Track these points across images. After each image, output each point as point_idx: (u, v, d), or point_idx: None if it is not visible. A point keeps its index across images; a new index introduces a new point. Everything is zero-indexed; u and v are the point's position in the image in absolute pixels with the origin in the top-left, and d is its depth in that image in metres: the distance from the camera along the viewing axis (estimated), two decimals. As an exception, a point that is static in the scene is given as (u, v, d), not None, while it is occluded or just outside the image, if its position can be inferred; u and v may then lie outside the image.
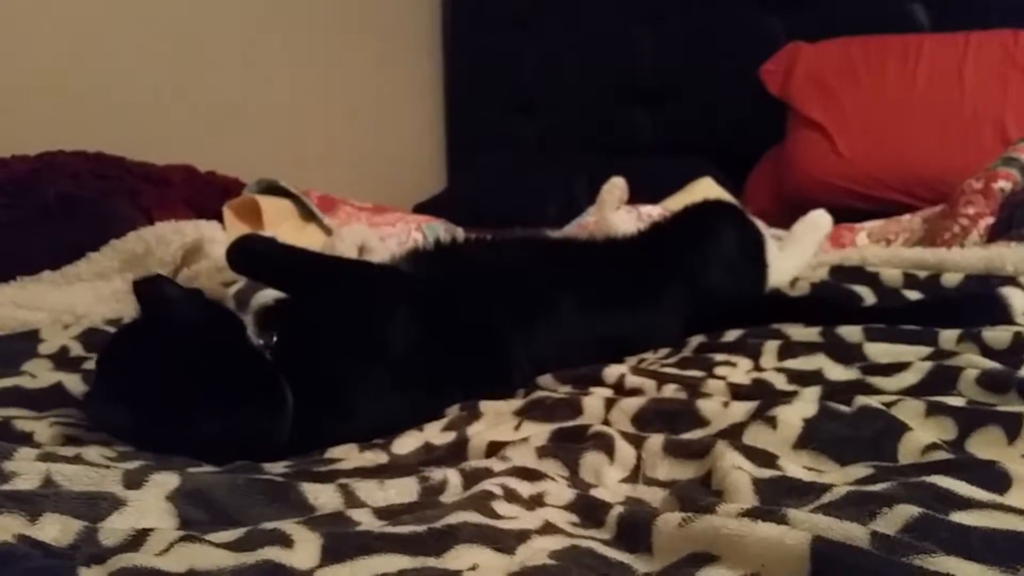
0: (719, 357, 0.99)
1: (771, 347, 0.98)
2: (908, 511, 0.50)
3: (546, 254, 1.13)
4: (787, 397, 0.81)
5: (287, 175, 2.13)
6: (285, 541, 0.50)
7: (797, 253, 1.35)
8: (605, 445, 0.70)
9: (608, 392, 0.91)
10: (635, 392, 0.90)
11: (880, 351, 0.93)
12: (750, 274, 1.24)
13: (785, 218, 1.82)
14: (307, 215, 1.63)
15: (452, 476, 0.65)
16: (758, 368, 0.96)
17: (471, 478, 0.64)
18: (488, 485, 0.60)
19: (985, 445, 0.65)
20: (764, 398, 0.84)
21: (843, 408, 0.72)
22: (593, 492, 0.64)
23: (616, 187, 1.48)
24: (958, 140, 1.91)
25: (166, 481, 0.60)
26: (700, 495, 0.59)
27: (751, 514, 0.50)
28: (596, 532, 0.56)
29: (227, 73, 2.17)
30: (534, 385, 0.95)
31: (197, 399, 0.77)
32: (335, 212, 1.66)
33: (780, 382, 0.91)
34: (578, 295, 1.05)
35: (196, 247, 1.22)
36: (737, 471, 0.60)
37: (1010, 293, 1.04)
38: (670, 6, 2.55)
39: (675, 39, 2.56)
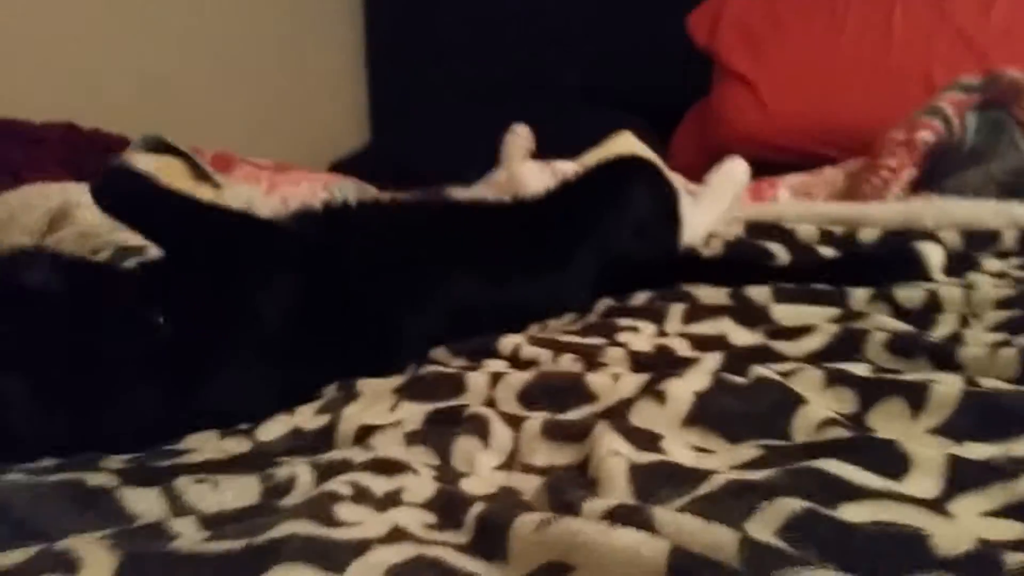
0: (623, 322, 0.93)
1: (676, 311, 0.93)
2: (789, 506, 0.44)
3: (445, 219, 1.05)
4: (684, 366, 0.76)
5: (190, 133, 1.99)
6: (70, 566, 0.43)
7: (713, 207, 1.29)
8: (479, 428, 0.63)
9: (502, 364, 0.85)
10: (530, 364, 0.84)
11: (787, 313, 0.88)
12: (663, 234, 1.18)
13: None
14: (200, 175, 1.51)
15: (302, 472, 0.58)
16: (662, 333, 0.90)
17: (324, 473, 0.58)
18: (336, 484, 0.53)
19: (887, 419, 0.60)
20: (664, 366, 0.79)
21: (737, 380, 0.66)
22: (463, 482, 0.58)
23: (519, 136, 1.40)
24: (885, 93, 1.86)
25: (-42, 491, 0.52)
26: (571, 487, 0.53)
27: (614, 515, 0.44)
28: (452, 535, 0.50)
29: (117, 23, 1.99)
30: (425, 359, 0.89)
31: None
32: (233, 171, 1.55)
33: (683, 348, 0.85)
34: (477, 263, 0.98)
35: (63, 212, 1.11)
36: (614, 457, 0.54)
37: (926, 248, 0.99)
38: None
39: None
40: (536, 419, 0.63)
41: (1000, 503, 0.46)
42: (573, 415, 0.67)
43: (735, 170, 1.34)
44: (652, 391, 0.66)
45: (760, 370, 0.68)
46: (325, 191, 1.68)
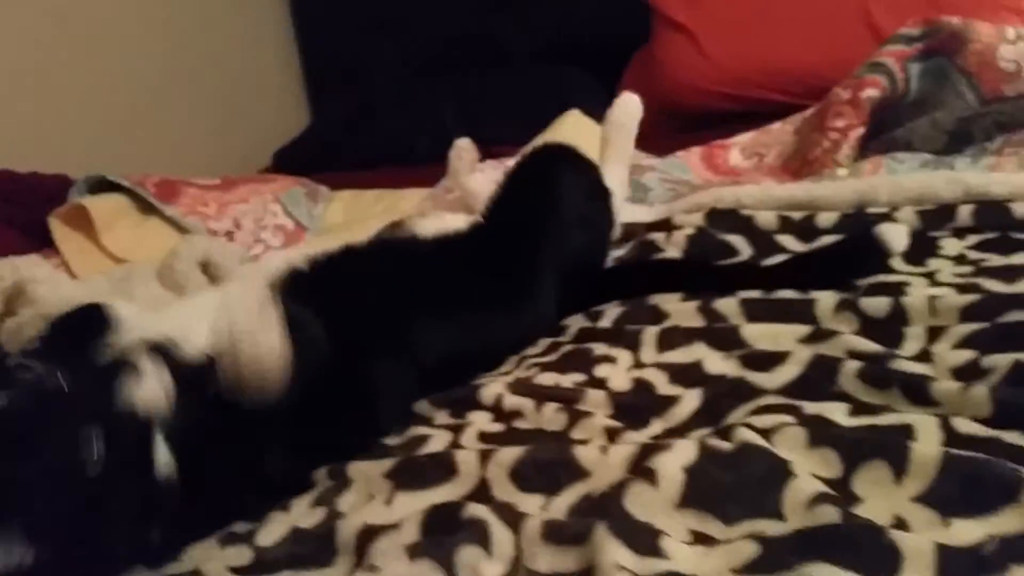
0: (598, 350, 0.95)
1: (650, 336, 0.94)
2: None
3: (410, 268, 1.03)
4: (664, 406, 0.80)
5: (128, 146, 1.93)
6: None
7: (620, 160, 1.31)
8: (480, 534, 0.64)
9: (486, 417, 0.86)
10: (513, 415, 0.85)
11: (758, 334, 0.89)
12: (600, 215, 1.20)
13: (662, 125, 1.76)
14: (146, 207, 1.48)
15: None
16: (638, 364, 0.91)
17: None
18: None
19: (872, 484, 0.62)
20: (644, 409, 0.81)
21: (723, 447, 0.68)
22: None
23: (463, 150, 1.38)
24: (824, 33, 1.86)
25: None
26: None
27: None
28: None
29: (34, 43, 1.89)
30: (409, 417, 0.90)
31: None
32: (178, 197, 1.51)
33: (660, 381, 0.87)
34: (447, 310, 0.97)
35: (18, 290, 1.08)
36: (618, 574, 0.55)
37: (887, 232, 1.01)
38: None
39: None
40: (535, 520, 0.64)
41: (991, 601, 0.49)
42: (567, 497, 0.68)
43: (624, 111, 1.33)
44: (642, 469, 0.67)
45: (745, 433, 0.69)
46: (276, 203, 1.65)
